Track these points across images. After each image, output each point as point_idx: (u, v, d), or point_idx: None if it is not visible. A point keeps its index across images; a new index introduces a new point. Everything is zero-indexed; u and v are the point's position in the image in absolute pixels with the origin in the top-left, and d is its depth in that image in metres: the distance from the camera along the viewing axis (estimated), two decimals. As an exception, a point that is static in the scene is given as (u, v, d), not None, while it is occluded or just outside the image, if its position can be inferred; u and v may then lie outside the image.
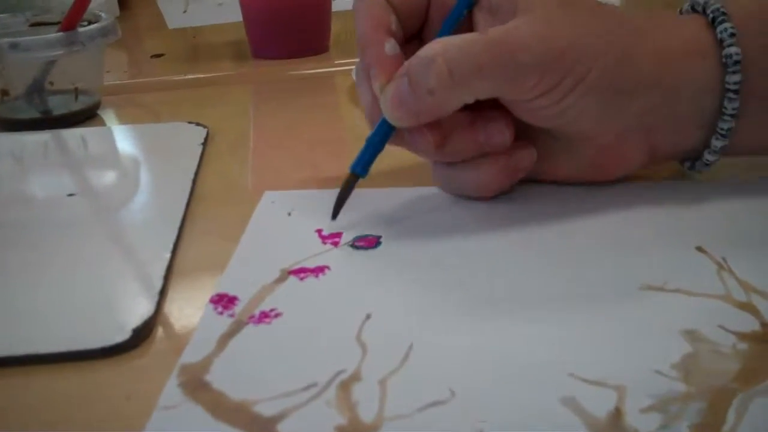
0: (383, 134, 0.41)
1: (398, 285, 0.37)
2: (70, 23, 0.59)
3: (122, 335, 0.33)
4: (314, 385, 0.30)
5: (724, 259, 0.37)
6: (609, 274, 0.36)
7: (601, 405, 0.28)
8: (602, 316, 0.33)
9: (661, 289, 0.35)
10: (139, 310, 0.35)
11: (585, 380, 0.29)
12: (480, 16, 0.42)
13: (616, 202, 0.42)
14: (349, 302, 0.35)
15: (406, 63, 0.39)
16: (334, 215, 0.42)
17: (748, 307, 0.33)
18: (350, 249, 0.40)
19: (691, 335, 0.31)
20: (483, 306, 0.34)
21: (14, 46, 0.57)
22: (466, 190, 0.44)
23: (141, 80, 0.74)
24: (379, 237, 0.41)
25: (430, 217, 0.43)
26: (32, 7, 0.69)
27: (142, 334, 0.34)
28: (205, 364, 0.31)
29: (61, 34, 0.59)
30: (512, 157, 0.42)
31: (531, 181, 0.44)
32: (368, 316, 0.34)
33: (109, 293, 0.37)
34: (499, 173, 0.42)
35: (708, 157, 0.42)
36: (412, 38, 0.44)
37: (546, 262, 0.38)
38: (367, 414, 0.28)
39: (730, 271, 0.36)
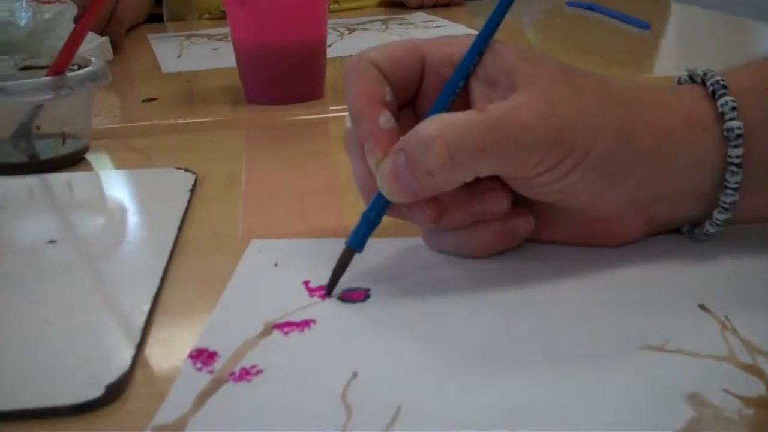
0: (379, 208, 0.40)
1: (387, 341, 0.35)
2: (58, 68, 0.58)
3: (95, 391, 0.32)
4: (295, 449, 0.28)
5: (727, 317, 0.35)
6: (607, 334, 0.35)
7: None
8: (599, 378, 0.32)
9: (661, 349, 0.33)
10: (115, 364, 0.33)
11: None
12: (476, 87, 0.41)
13: (614, 258, 0.41)
14: (335, 359, 0.34)
15: (402, 139, 0.38)
16: (329, 292, 0.39)
17: (753, 370, 0.31)
18: (338, 302, 0.38)
19: (695, 399, 0.30)
20: (476, 367, 0.33)
21: (1, 90, 0.56)
22: (459, 252, 0.42)
23: (131, 124, 0.73)
24: (368, 290, 0.39)
25: (423, 271, 0.41)
26: (22, 50, 0.68)
27: (116, 390, 0.32)
28: (180, 424, 0.30)
29: (49, 78, 0.58)
30: (508, 224, 0.41)
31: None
32: (354, 375, 0.32)
33: (84, 346, 0.36)
34: (494, 238, 0.42)
35: (709, 228, 0.41)
36: (404, 107, 0.43)
37: (541, 320, 0.36)
38: (349, 482, 0.27)
39: (734, 331, 0.34)
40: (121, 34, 1.09)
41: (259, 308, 0.38)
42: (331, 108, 0.74)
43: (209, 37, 1.14)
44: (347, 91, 0.41)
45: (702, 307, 0.36)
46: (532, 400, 0.30)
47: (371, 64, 0.41)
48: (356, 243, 0.40)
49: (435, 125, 0.37)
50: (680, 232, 0.43)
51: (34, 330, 0.37)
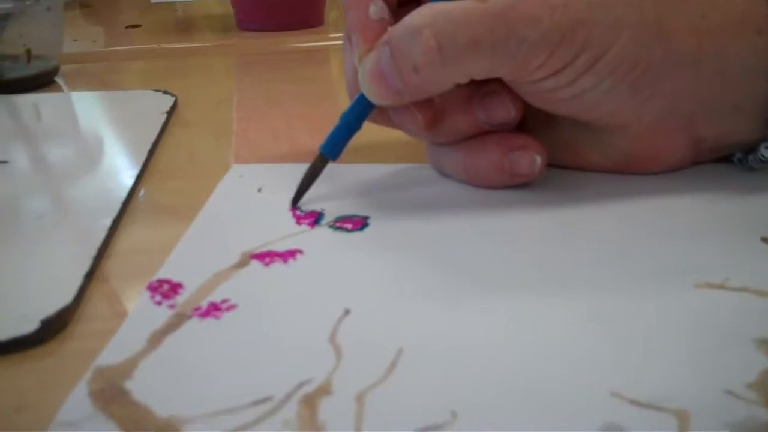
0: (360, 111, 0.34)
1: (386, 275, 0.29)
2: (22, -26, 0.52)
3: (27, 327, 0.26)
4: (269, 398, 0.22)
5: (797, 252, 0.29)
6: (656, 269, 0.29)
7: (658, 437, 0.20)
8: (648, 321, 0.25)
9: (722, 287, 0.27)
10: (56, 296, 0.27)
11: (634, 402, 0.22)
12: None
13: (656, 186, 0.35)
14: (323, 294, 0.28)
15: (389, 30, 0.32)
16: (295, 201, 0.34)
17: (834, 311, 0.25)
18: (330, 230, 0.32)
19: (768, 346, 0.24)
20: (494, 302, 0.27)
21: (-43, -1, 0.50)
22: (460, 176, 0.36)
23: (109, 49, 0.67)
24: (367, 218, 0.33)
25: (429, 197, 0.35)
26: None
27: (54, 326, 0.26)
28: (128, 367, 0.24)
29: (11, -14, 0.52)
30: (507, 157, 0.34)
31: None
32: (347, 312, 0.26)
33: (25, 277, 0.30)
34: (491, 171, 0.35)
35: (765, 153, 0.34)
36: (408, 2, 0.37)
37: (572, 249, 0.30)
38: (337, 441, 0.21)
39: (807, 267, 0.28)
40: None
41: (237, 236, 0.32)
42: (331, 36, 0.68)
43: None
44: None
45: (765, 240, 0.30)
46: (568, 341, 0.24)
47: None
48: (330, 149, 0.35)
49: (426, 12, 0.31)
50: (730, 161, 0.37)
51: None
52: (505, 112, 0.34)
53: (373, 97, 0.33)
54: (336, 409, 0.22)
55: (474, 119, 0.34)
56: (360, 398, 0.22)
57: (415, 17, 0.31)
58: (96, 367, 0.24)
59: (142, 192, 0.38)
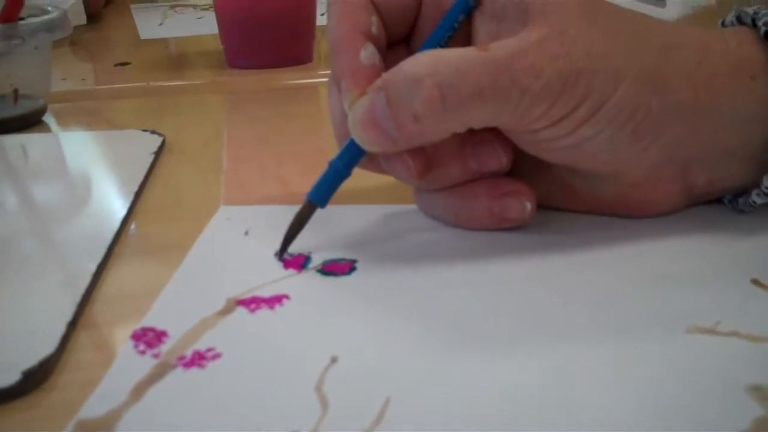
0: (349, 158, 0.34)
1: (374, 322, 0.29)
2: (8, 15, 0.52)
3: (8, 378, 0.25)
4: (253, 453, 0.22)
5: (787, 294, 0.29)
6: (646, 314, 0.28)
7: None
8: (640, 366, 0.25)
9: (712, 331, 0.27)
10: (38, 346, 0.27)
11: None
12: (481, 22, 0.34)
13: (647, 229, 0.35)
14: (310, 341, 0.27)
15: (384, 76, 0.32)
16: (282, 250, 0.34)
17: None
18: (317, 275, 0.32)
19: (760, 393, 0.24)
20: (482, 352, 0.26)
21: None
22: (449, 221, 0.36)
23: (98, 87, 0.67)
24: (354, 261, 0.33)
25: (417, 240, 0.35)
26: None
27: (36, 377, 0.26)
28: (111, 419, 0.23)
29: (-4, 26, 0.51)
30: (498, 202, 0.34)
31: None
32: (334, 360, 0.26)
33: (6, 324, 0.29)
34: (482, 216, 0.35)
35: (756, 199, 0.34)
36: (397, 43, 0.36)
37: (562, 296, 0.30)
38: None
39: (798, 310, 0.28)
40: (99, 4, 1.03)
41: (223, 281, 0.31)
42: (320, 72, 0.68)
43: (195, 6, 1.08)
44: (328, 22, 0.35)
45: (756, 282, 0.30)
46: (549, 394, 0.24)
47: None
48: (318, 196, 0.34)
49: (426, 61, 0.31)
50: (720, 202, 0.37)
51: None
52: (496, 160, 0.34)
53: (365, 144, 0.32)
54: (322, 463, 0.21)
55: (465, 166, 0.34)
56: (346, 451, 0.22)
57: (415, 65, 0.31)
58: (78, 420, 0.23)
59: (133, 226, 0.38)
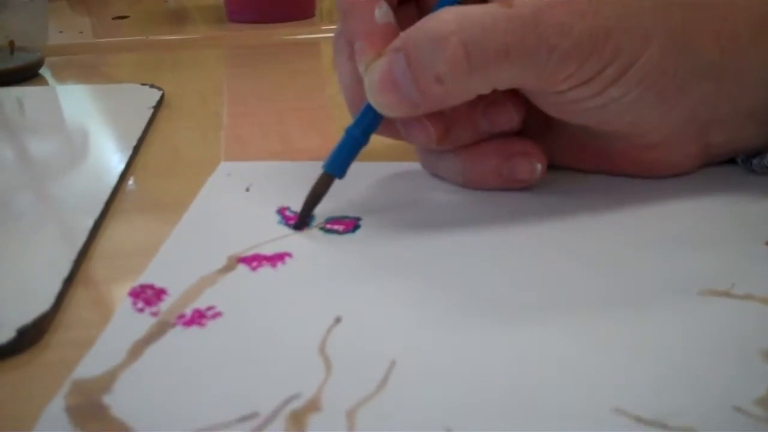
0: (367, 124, 0.32)
1: (379, 281, 0.28)
2: (3, -37, 0.51)
3: (3, 336, 0.25)
4: (255, 415, 0.21)
5: (804, 257, 0.28)
6: (658, 276, 0.27)
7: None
8: (654, 330, 0.24)
9: (727, 294, 0.26)
10: (33, 304, 0.26)
11: (637, 419, 0.21)
12: None
13: (660, 190, 0.34)
14: (313, 301, 0.26)
15: (402, 35, 0.30)
16: (299, 225, 0.32)
17: None
18: (320, 233, 0.31)
19: (776, 358, 0.23)
20: (491, 314, 0.26)
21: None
22: (456, 181, 0.35)
23: (96, 40, 0.65)
24: (359, 219, 0.32)
25: (422, 198, 0.34)
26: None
27: (31, 335, 0.25)
28: (107, 379, 0.23)
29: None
30: (507, 163, 0.33)
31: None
32: (338, 320, 0.25)
33: (2, 281, 0.28)
34: (490, 176, 0.34)
35: None
36: (406, 1, 0.35)
37: (571, 259, 0.29)
38: (326, 462, 0.20)
39: (815, 273, 0.27)
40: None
41: (223, 239, 0.31)
42: (323, 27, 0.67)
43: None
44: None
45: (770, 244, 0.29)
46: (569, 355, 0.23)
47: None
48: (336, 167, 0.32)
49: (450, 18, 0.29)
50: (733, 161, 0.36)
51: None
52: (508, 120, 0.33)
53: (384, 109, 0.31)
54: (326, 427, 0.21)
55: (476, 127, 0.33)
56: (351, 414, 0.21)
57: (438, 22, 0.29)
58: (73, 380, 0.23)
59: (131, 181, 0.37)
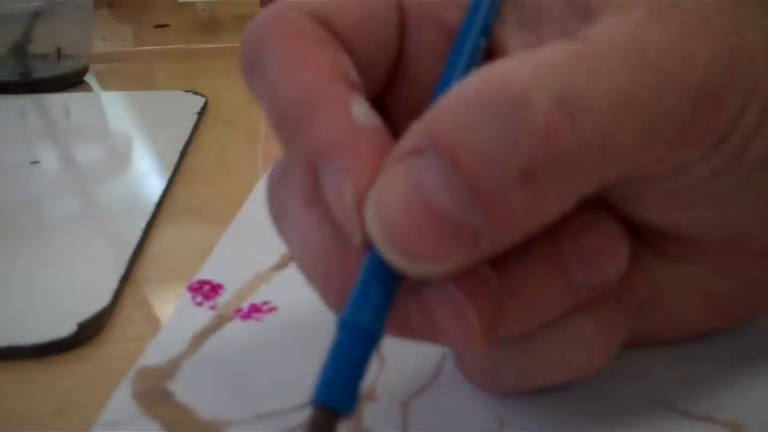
0: (377, 303, 0.18)
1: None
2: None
3: (65, 330, 0.26)
4: (313, 404, 0.22)
5: None
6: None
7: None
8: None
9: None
10: (91, 300, 0.27)
11: (685, 413, 0.21)
12: (506, 34, 0.21)
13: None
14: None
15: (421, 124, 0.17)
16: None
17: None
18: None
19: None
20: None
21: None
22: (522, 386, 0.21)
23: (138, 48, 0.67)
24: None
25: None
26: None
27: (91, 329, 0.26)
28: (171, 368, 0.24)
29: (42, -15, 0.52)
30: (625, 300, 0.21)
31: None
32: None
33: (60, 280, 0.29)
34: (599, 335, 0.21)
35: None
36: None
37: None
38: (383, 447, 0.20)
39: None
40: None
41: (276, 238, 0.31)
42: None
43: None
44: (264, 68, 0.20)
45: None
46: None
47: (311, 19, 0.21)
48: (339, 397, 0.17)
49: (521, 70, 0.17)
50: None
51: (7, 262, 0.31)
52: (614, 263, 0.20)
53: (414, 263, 0.17)
54: (381, 416, 0.22)
55: (566, 284, 0.20)
56: (405, 405, 0.22)
57: (511, 77, 0.17)
58: (139, 368, 0.24)
59: (178, 187, 0.38)
